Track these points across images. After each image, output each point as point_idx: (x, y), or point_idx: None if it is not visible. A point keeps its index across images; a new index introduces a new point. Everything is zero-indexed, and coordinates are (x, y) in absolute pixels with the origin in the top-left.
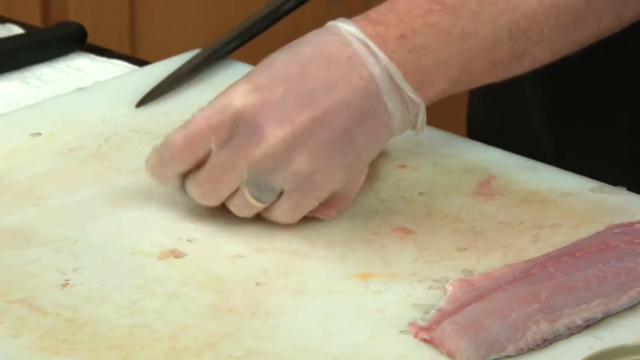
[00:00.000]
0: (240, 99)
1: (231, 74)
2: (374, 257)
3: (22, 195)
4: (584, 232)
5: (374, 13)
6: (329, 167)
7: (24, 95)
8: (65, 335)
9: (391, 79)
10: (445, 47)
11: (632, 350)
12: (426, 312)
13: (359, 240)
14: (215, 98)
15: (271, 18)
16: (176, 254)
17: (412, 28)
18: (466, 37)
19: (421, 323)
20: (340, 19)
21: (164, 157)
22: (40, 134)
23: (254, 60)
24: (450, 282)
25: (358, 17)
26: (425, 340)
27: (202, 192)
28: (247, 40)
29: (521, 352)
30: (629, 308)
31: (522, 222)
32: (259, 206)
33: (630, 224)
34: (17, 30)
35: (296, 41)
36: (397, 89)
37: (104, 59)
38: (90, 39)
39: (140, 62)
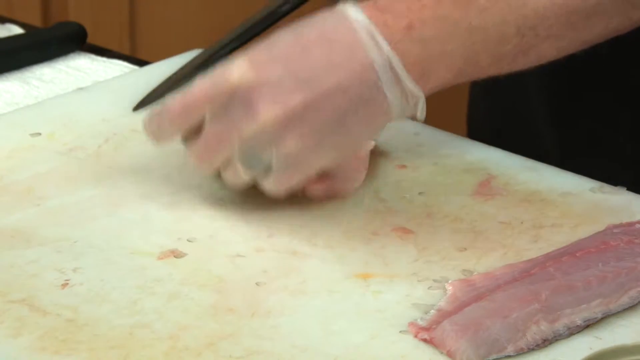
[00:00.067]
0: (238, 74)
1: None
2: (374, 257)
3: (22, 195)
4: (584, 232)
5: (384, 0)
6: (319, 148)
7: (24, 95)
8: (65, 335)
9: (392, 68)
10: (451, 40)
11: (632, 350)
12: (426, 312)
13: (359, 240)
14: (215, 70)
15: (271, 19)
16: (176, 254)
17: (420, 18)
18: (473, 31)
19: (421, 323)
20: (349, 3)
21: (161, 120)
22: (40, 134)
23: None
24: (450, 282)
25: (368, 3)
26: (425, 340)
27: (198, 159)
28: (247, 41)
29: (521, 352)
30: (629, 308)
31: (522, 222)
32: (248, 179)
33: (630, 224)
34: (17, 30)
35: (302, 22)
36: (397, 79)
37: (104, 59)
38: (90, 39)
39: (140, 62)
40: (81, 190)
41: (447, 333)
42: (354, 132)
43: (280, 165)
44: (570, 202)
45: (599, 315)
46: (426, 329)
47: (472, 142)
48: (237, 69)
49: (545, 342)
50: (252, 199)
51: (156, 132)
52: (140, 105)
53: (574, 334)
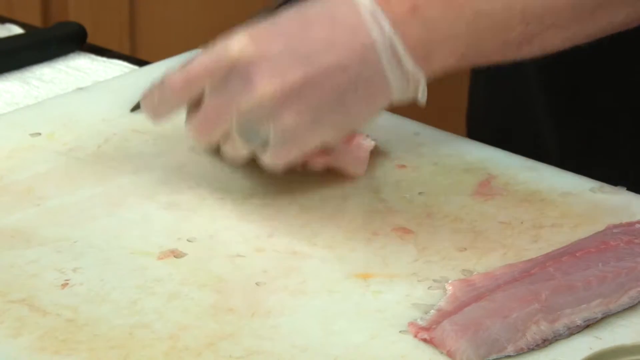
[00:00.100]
0: (238, 47)
1: None
2: (374, 257)
3: (22, 195)
4: (584, 232)
5: None
6: (316, 125)
7: (24, 95)
8: (65, 335)
9: (393, 49)
10: (455, 24)
11: (632, 350)
12: (426, 312)
13: (359, 240)
14: (217, 44)
15: None
16: (176, 254)
17: (425, 0)
18: (479, 17)
19: (421, 323)
20: None
21: (161, 94)
22: (40, 134)
23: None
24: (450, 282)
25: None
26: (425, 340)
27: (197, 133)
28: None
29: (521, 352)
30: (629, 308)
31: (522, 222)
32: (246, 152)
33: (630, 224)
34: (17, 30)
35: (308, 1)
36: (398, 60)
37: (104, 59)
38: (90, 39)
39: (140, 62)
40: (81, 190)
41: (447, 333)
42: (352, 112)
43: (278, 139)
44: (570, 202)
45: (599, 315)
46: (426, 329)
47: (472, 142)
48: (237, 43)
49: (545, 342)
50: (252, 199)
51: (155, 108)
52: (138, 106)
53: (574, 334)
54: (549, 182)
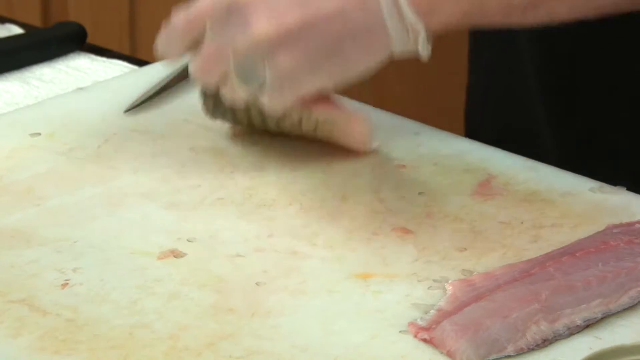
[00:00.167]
0: None
1: None
2: (374, 257)
3: (22, 195)
4: (584, 232)
5: None
6: (313, 69)
7: (24, 95)
8: (65, 335)
9: (395, 1)
10: None
11: (632, 350)
12: (426, 312)
13: (359, 240)
14: None
15: None
16: (176, 254)
17: None
18: None
19: (421, 323)
20: None
21: (169, 35)
22: (40, 134)
23: None
24: (450, 282)
25: None
26: (425, 340)
27: (198, 72)
28: None
29: (521, 352)
30: (629, 308)
31: (522, 222)
32: (244, 92)
33: (630, 224)
34: (17, 30)
35: None
36: (399, 11)
37: (104, 59)
38: (90, 39)
39: (140, 62)
40: (81, 190)
41: (447, 333)
42: (350, 60)
43: (274, 81)
44: (570, 202)
45: (599, 315)
46: (426, 329)
47: (472, 142)
48: None
49: (545, 342)
50: (252, 199)
51: (166, 48)
52: (132, 107)
53: (574, 334)
54: (548, 182)
